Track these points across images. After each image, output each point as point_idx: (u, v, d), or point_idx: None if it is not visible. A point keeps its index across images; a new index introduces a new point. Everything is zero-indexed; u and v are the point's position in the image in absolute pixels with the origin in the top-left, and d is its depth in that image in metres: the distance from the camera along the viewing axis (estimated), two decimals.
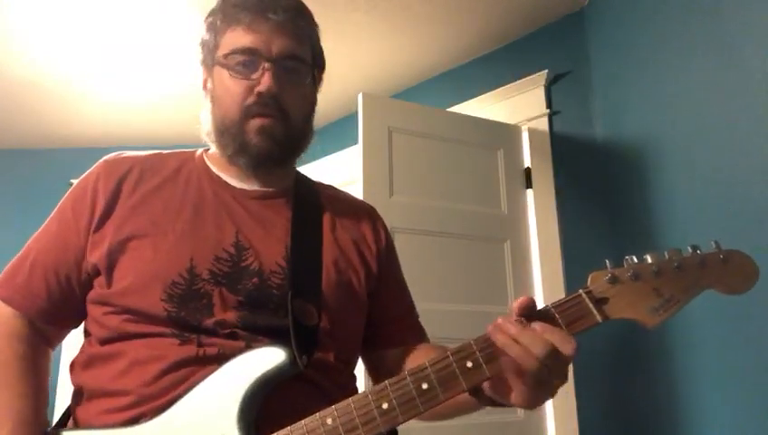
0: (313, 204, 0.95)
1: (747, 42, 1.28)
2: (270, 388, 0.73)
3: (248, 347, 0.75)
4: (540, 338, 0.64)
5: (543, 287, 2.20)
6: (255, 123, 0.85)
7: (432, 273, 2.05)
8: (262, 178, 0.92)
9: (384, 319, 0.96)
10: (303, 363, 0.75)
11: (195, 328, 0.76)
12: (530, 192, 2.33)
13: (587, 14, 2.32)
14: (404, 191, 2.09)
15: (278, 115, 0.85)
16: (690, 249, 0.69)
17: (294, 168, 1.00)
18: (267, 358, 0.73)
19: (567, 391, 2.07)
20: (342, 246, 0.92)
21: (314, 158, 3.35)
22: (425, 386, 0.66)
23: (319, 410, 0.69)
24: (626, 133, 2.01)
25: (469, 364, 0.67)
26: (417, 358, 0.91)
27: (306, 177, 1.02)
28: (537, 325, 0.66)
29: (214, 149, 0.93)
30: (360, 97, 2.10)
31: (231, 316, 0.77)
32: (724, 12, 1.38)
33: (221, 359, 0.74)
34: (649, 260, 0.68)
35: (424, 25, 2.43)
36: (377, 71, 2.77)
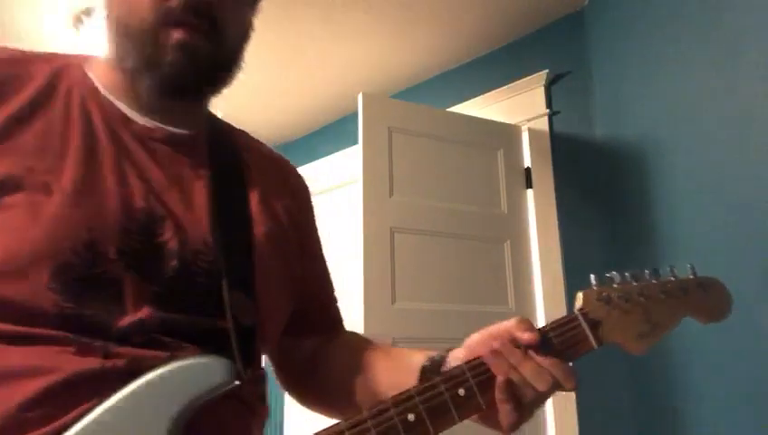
0: (233, 156, 0.73)
1: (747, 42, 1.28)
2: (196, 410, 0.54)
3: (173, 358, 0.55)
4: (544, 372, 0.58)
5: (543, 287, 2.20)
6: (176, 35, 0.62)
7: (432, 273, 2.04)
8: (168, 114, 0.68)
9: (309, 301, 0.80)
10: (247, 378, 0.60)
11: (101, 331, 0.54)
12: (530, 192, 2.33)
13: (587, 15, 2.32)
14: (404, 191, 2.09)
15: (208, 29, 0.63)
16: (669, 270, 0.67)
17: (208, 107, 0.77)
18: (203, 373, 0.55)
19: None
20: (275, 214, 0.73)
21: (314, 158, 3.35)
22: (411, 417, 0.56)
23: (248, 432, 0.58)
24: (626, 133, 2.01)
25: (462, 392, 0.58)
26: (348, 352, 0.79)
27: (218, 117, 0.78)
28: (539, 358, 0.59)
29: (101, 58, 0.68)
30: (360, 97, 2.10)
31: (147, 314, 0.57)
32: (724, 12, 1.38)
33: (135, 374, 0.53)
34: (634, 282, 0.66)
35: (424, 25, 2.43)
36: (377, 71, 2.77)
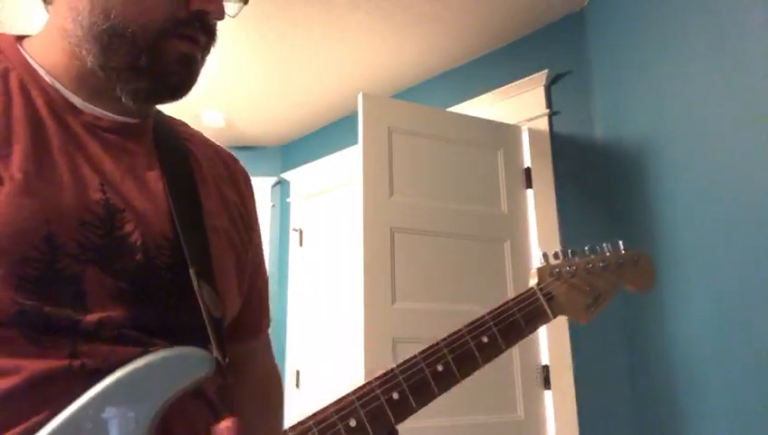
0: (180, 146, 0.71)
1: (747, 42, 1.28)
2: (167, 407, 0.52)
3: (146, 353, 0.54)
4: None
5: None
6: (180, 47, 0.60)
7: (432, 273, 2.04)
8: (116, 102, 0.62)
9: (250, 297, 0.76)
10: (214, 375, 0.58)
11: (65, 329, 0.52)
12: (530, 192, 2.33)
13: (587, 14, 2.32)
14: (404, 191, 2.09)
15: (206, 46, 0.64)
16: (605, 246, 0.73)
17: None
18: (185, 365, 0.52)
19: (567, 391, 2.07)
20: (227, 206, 0.72)
21: (314, 158, 3.35)
22: (439, 368, 0.63)
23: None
24: (626, 133, 2.01)
25: (485, 340, 0.65)
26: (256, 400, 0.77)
27: (158, 108, 0.73)
28: None
29: (43, 37, 0.62)
30: (360, 97, 2.10)
31: (114, 310, 0.54)
32: (724, 12, 1.38)
33: (106, 371, 0.52)
34: (577, 258, 0.71)
35: (424, 25, 2.43)
36: (377, 71, 2.77)
